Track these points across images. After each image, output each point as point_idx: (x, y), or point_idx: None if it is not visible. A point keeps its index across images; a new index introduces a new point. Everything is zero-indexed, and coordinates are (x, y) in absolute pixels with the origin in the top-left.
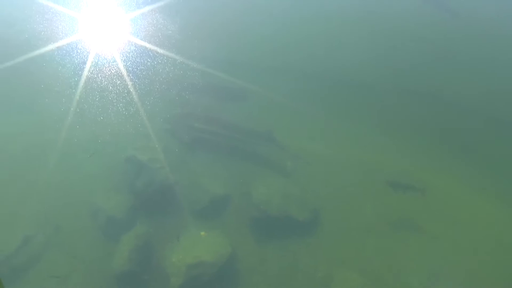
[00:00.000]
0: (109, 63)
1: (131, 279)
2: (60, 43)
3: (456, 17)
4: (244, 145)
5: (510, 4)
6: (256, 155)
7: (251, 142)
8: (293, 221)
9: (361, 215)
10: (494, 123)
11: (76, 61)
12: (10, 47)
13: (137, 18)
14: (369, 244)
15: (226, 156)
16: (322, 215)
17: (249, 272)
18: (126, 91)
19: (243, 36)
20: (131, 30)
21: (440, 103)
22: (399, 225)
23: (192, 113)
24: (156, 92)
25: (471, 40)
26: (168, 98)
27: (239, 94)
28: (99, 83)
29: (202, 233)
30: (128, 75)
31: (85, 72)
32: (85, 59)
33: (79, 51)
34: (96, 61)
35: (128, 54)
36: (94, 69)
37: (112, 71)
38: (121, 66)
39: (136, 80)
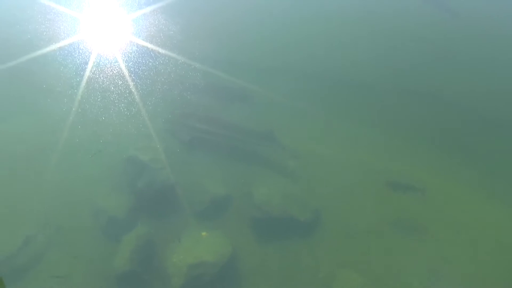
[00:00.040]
0: (110, 64)
1: (132, 279)
2: (62, 44)
3: (456, 17)
4: (245, 146)
5: (510, 4)
6: (257, 156)
7: (252, 142)
8: (294, 222)
9: (362, 215)
10: (494, 123)
11: (78, 61)
12: (12, 47)
13: (138, 18)
14: (370, 244)
15: (227, 156)
16: (323, 216)
17: (250, 273)
18: (127, 91)
19: (244, 36)
20: (132, 30)
21: (440, 103)
22: (399, 225)
23: (194, 113)
24: (157, 92)
25: (471, 40)
26: (169, 98)
27: (240, 94)
28: (100, 83)
29: (203, 233)
30: (130, 76)
31: (87, 73)
32: (87, 60)
33: (81, 51)
34: (98, 61)
35: (129, 55)
36: (95, 70)
37: (114, 72)
38: (122, 66)
39: (138, 81)
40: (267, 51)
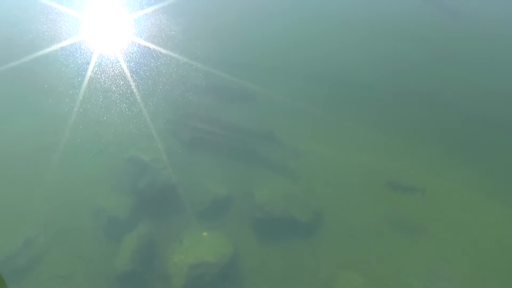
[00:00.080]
0: (112, 64)
1: (133, 279)
2: (64, 44)
3: (456, 17)
4: (247, 146)
5: (510, 4)
6: (259, 156)
7: (254, 142)
8: (295, 222)
9: (362, 215)
10: (494, 123)
11: (79, 61)
12: (15, 47)
13: (140, 18)
14: (371, 245)
15: (228, 156)
16: (324, 216)
17: (251, 273)
18: (129, 91)
19: (245, 36)
20: (134, 30)
21: (440, 103)
22: (400, 226)
23: (195, 113)
24: (159, 92)
25: (471, 40)
26: (171, 98)
27: (241, 94)
28: (102, 83)
29: (204, 233)
30: (132, 76)
31: (89, 73)
32: (89, 60)
33: (82, 51)
34: (100, 61)
35: (131, 55)
36: (97, 70)
37: (116, 72)
38: (124, 66)
39: (139, 81)
40: (268, 51)
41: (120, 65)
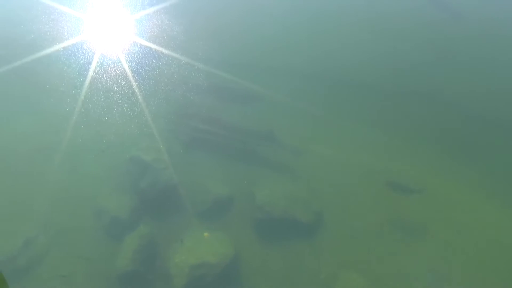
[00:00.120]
0: (114, 64)
1: (135, 279)
2: (65, 44)
3: (456, 17)
4: (248, 146)
5: (510, 4)
6: (260, 157)
7: (254, 143)
8: (296, 222)
9: (363, 216)
10: (494, 123)
11: (81, 61)
12: (17, 47)
13: (142, 19)
14: (371, 245)
15: (230, 157)
16: (325, 216)
17: (252, 273)
18: (131, 91)
19: (246, 37)
20: (136, 31)
21: (440, 103)
22: (400, 226)
23: (197, 113)
24: (160, 92)
25: (471, 40)
26: (172, 98)
27: (243, 94)
28: (104, 83)
29: (206, 234)
30: (133, 76)
31: (90, 73)
32: (90, 60)
33: (84, 51)
34: (101, 61)
35: (133, 55)
36: (99, 70)
37: (117, 72)
38: (126, 66)
39: (141, 81)
40: (269, 51)
41: (122, 65)
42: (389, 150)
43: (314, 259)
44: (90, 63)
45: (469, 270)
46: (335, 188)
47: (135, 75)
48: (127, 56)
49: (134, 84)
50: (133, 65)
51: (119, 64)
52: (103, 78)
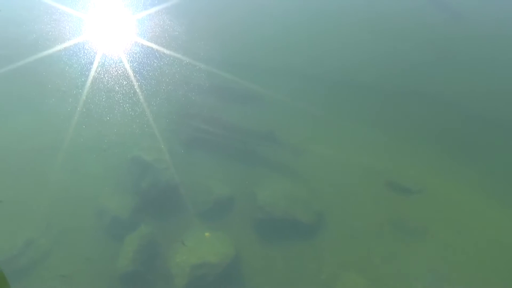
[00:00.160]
0: (115, 64)
1: (135, 279)
2: (67, 44)
3: (458, 17)
4: (249, 146)
5: (510, 5)
6: (261, 157)
7: (256, 143)
8: (297, 223)
9: (363, 216)
10: (494, 123)
11: (83, 61)
12: (19, 47)
13: (143, 19)
14: (372, 245)
15: (231, 157)
16: (325, 217)
17: (253, 273)
18: (132, 91)
19: (247, 37)
20: (137, 31)
21: (440, 103)
22: (400, 226)
23: (198, 114)
24: (162, 92)
25: (471, 40)
26: (174, 99)
27: (244, 94)
28: (105, 83)
29: (207, 233)
30: (135, 76)
31: (92, 73)
32: (92, 60)
33: (86, 51)
34: (103, 61)
35: (134, 55)
36: (100, 70)
37: (119, 72)
38: (127, 66)
39: (143, 81)
40: (269, 51)
41: (123, 65)
42: (389, 150)
43: (315, 259)
44: (91, 63)
45: (469, 270)
46: (335, 188)
47: (137, 75)
48: (128, 56)
49: (136, 84)
50: (134, 65)
51: (120, 64)
52: (105, 78)
